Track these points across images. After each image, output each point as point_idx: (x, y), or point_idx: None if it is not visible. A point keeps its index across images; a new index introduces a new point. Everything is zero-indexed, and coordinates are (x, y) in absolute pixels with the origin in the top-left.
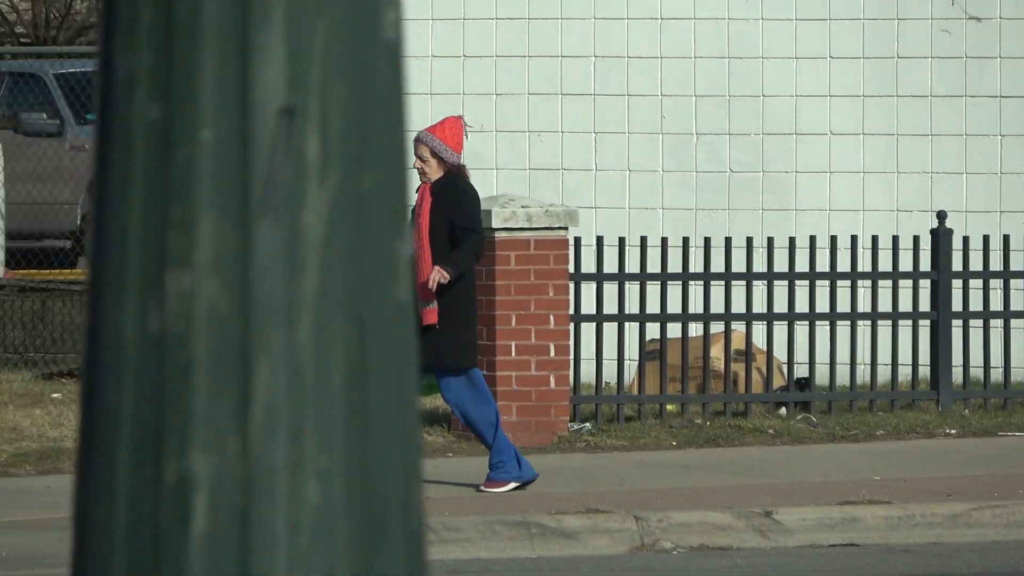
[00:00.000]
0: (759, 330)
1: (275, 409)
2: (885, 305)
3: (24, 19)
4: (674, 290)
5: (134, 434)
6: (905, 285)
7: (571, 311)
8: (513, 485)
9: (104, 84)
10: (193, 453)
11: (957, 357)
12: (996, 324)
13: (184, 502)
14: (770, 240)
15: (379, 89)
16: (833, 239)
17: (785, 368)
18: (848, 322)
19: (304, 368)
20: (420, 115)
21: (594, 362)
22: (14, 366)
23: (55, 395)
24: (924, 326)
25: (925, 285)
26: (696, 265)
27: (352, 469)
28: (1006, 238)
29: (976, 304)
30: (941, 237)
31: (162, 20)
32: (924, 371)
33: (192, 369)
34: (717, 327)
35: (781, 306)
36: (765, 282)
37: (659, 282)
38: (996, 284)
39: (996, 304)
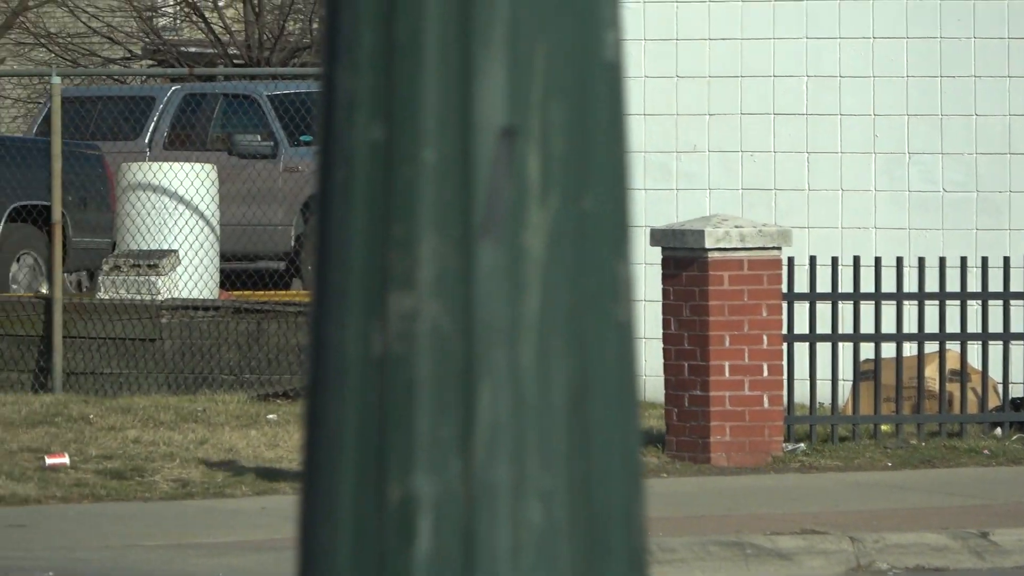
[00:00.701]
0: (974, 350)
1: (498, 429)
2: None
3: (238, 41)
4: (888, 310)
5: (357, 455)
6: None
7: (784, 331)
8: None
9: (326, 105)
10: (416, 474)
11: None
12: None
13: (408, 523)
14: (984, 260)
15: (600, 109)
16: None
17: (1000, 388)
18: None
19: (526, 389)
20: (634, 135)
21: (807, 382)
22: (229, 387)
23: (270, 416)
24: None
25: None
26: (910, 285)
27: (574, 489)
28: None
29: None
30: None
31: (383, 42)
32: None
33: (415, 390)
34: (931, 347)
35: (996, 326)
36: (979, 302)
37: (872, 302)
38: None
39: None
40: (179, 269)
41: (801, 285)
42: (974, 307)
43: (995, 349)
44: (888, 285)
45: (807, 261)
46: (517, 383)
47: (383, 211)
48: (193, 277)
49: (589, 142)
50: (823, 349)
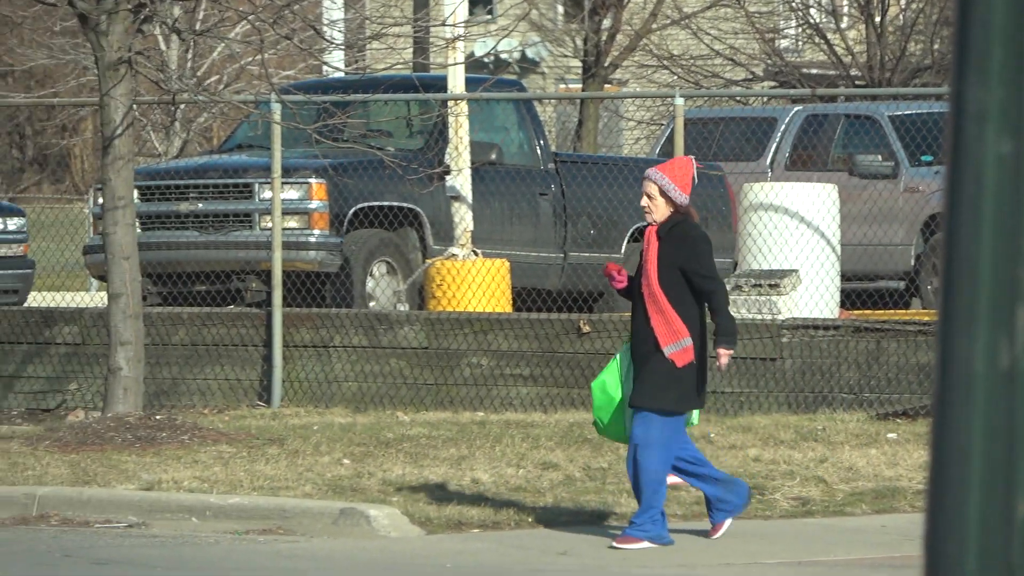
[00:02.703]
0: None
1: None
2: None
3: (859, 61)
4: None
5: (984, 470)
6: None
7: None
8: (648, 544)
9: (955, 120)
10: None
11: None
12: None
13: None
14: None
15: None
16: None
17: None
18: None
19: None
20: None
21: None
22: (848, 406)
23: (890, 435)
24: None
25: None
26: None
27: None
28: None
29: None
30: None
31: (1014, 56)
32: None
33: None
34: None
35: None
36: None
37: None
38: None
39: None
40: (799, 289)
41: None
42: None
43: None
44: None
45: None
46: None
47: (1012, 225)
48: (813, 297)
49: None
50: None
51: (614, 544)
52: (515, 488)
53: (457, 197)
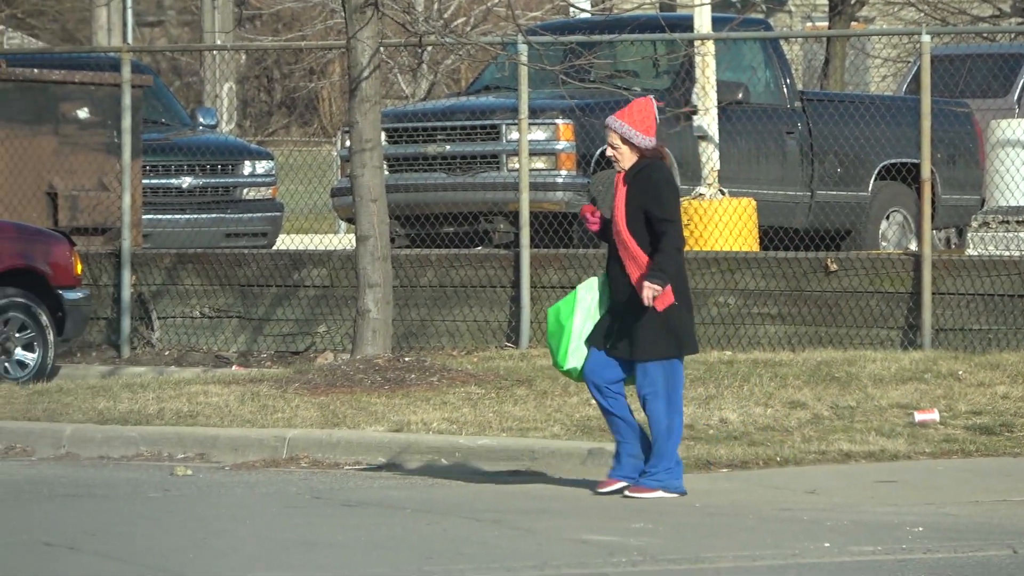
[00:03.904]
0: None
1: None
2: None
3: None
4: None
5: None
6: None
7: None
8: (661, 493)
9: None
10: None
11: None
12: None
13: None
14: None
15: None
16: None
17: None
18: None
19: None
20: None
21: None
22: None
23: None
24: None
25: None
26: None
27: None
28: None
29: None
30: None
31: None
32: None
33: None
34: None
35: None
36: None
37: None
38: None
39: None
40: None
41: None
42: None
43: None
44: None
45: None
46: None
47: None
48: None
49: None
50: None
51: (627, 493)
52: (763, 427)
53: (704, 137)
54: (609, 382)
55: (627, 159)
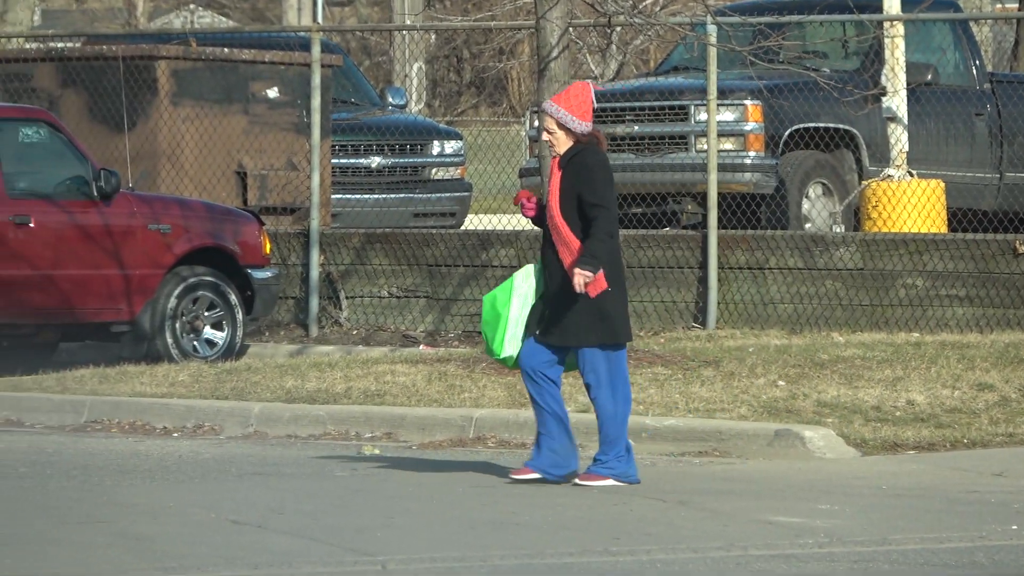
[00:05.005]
0: None
1: None
2: None
3: None
4: None
5: None
6: None
7: None
8: (612, 482)
9: None
10: None
11: None
12: None
13: None
14: None
15: None
16: None
17: None
18: None
19: None
20: None
21: None
22: None
23: None
24: None
25: None
26: None
27: None
28: None
29: None
30: None
31: None
32: None
33: None
34: None
35: None
36: None
37: None
38: None
39: None
40: None
41: None
42: None
43: None
44: None
45: None
46: None
47: None
48: None
49: None
50: None
51: (577, 481)
52: (950, 409)
53: (893, 118)
54: (539, 369)
55: (563, 144)
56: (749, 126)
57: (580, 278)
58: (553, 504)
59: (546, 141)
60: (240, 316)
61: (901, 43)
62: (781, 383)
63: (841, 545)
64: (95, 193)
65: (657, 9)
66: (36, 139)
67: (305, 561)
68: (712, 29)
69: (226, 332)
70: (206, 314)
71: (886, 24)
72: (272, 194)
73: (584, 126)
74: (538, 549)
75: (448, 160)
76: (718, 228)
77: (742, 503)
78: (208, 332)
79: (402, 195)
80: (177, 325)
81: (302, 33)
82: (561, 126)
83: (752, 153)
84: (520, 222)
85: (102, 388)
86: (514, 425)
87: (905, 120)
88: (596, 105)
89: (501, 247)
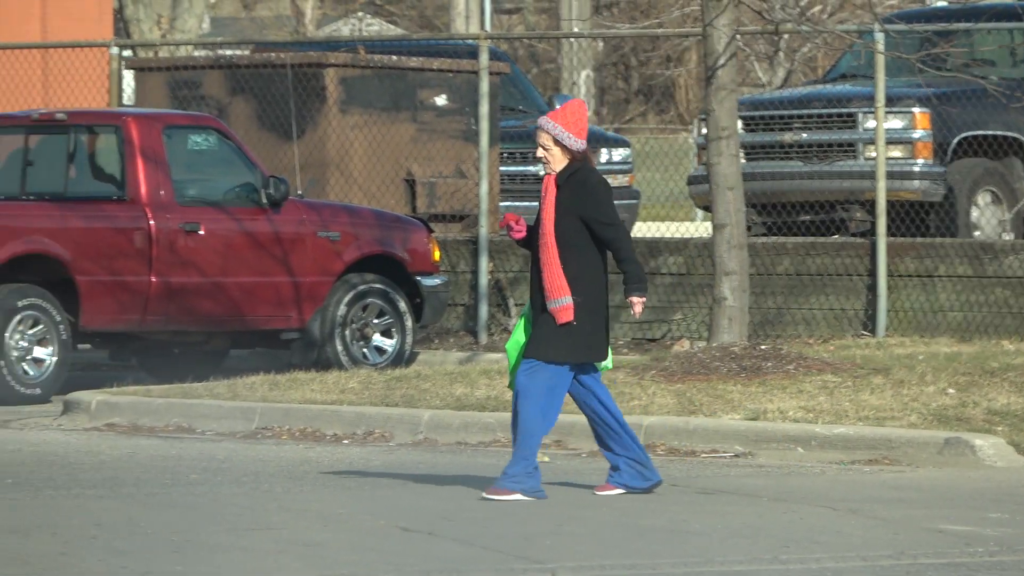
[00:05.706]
0: None
1: None
2: None
3: None
4: None
5: None
6: None
7: None
8: (520, 496)
9: None
10: None
11: None
12: None
13: None
14: None
15: None
16: None
17: None
18: None
19: None
20: None
21: None
22: None
23: None
24: None
25: None
26: None
27: None
28: None
29: None
30: None
31: None
32: None
33: None
34: None
35: None
36: None
37: None
38: None
39: None
40: None
41: None
42: None
43: None
44: None
45: None
46: None
47: None
48: None
49: None
50: None
51: (484, 495)
52: None
53: None
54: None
55: (558, 161)
56: (917, 134)
57: (639, 306)
58: (722, 512)
59: (540, 158)
60: (409, 323)
61: None
62: (951, 391)
63: (1012, 554)
64: (264, 201)
65: (825, 16)
66: (205, 146)
67: (474, 569)
68: (880, 37)
69: (395, 339)
70: (376, 321)
71: None
72: (441, 201)
73: (579, 143)
74: (707, 557)
75: (616, 168)
76: (887, 235)
77: (912, 511)
78: (378, 339)
79: None
80: (347, 332)
81: (470, 41)
82: (557, 143)
83: (920, 161)
84: (688, 229)
85: (272, 395)
86: (684, 432)
87: None
88: (764, 113)
89: (669, 254)
